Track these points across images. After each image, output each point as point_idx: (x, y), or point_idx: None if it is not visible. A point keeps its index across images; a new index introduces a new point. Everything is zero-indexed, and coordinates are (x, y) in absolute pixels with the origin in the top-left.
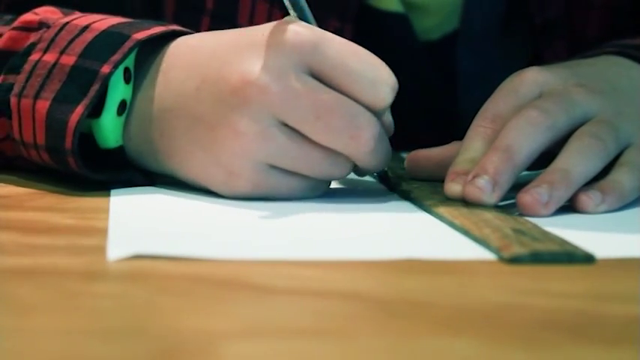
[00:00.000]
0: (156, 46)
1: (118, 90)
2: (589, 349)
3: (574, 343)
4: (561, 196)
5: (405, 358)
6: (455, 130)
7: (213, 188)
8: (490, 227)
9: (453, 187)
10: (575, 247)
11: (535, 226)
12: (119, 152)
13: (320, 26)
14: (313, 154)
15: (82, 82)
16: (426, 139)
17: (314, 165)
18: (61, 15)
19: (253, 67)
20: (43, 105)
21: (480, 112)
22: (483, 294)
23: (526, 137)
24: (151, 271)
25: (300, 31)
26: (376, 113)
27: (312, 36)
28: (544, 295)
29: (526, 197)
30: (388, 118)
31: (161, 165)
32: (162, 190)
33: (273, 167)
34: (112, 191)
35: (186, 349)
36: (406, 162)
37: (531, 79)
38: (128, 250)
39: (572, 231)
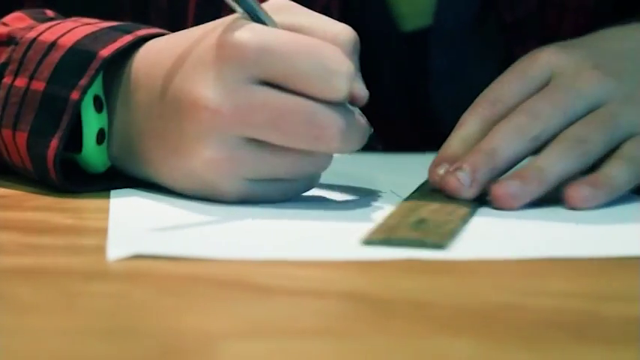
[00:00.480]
0: (122, 58)
1: (92, 120)
2: (589, 349)
3: (574, 343)
4: (532, 192)
5: (405, 358)
6: (430, 120)
7: (208, 199)
8: (407, 216)
9: (437, 172)
10: (431, 236)
11: (450, 221)
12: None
13: (307, 4)
14: (287, 159)
15: (54, 111)
16: (402, 125)
17: (292, 168)
18: (29, 23)
19: (204, 87)
20: (23, 137)
21: (484, 91)
22: (483, 294)
23: (509, 144)
24: (150, 271)
25: (242, 40)
26: (339, 103)
27: (254, 44)
28: (544, 295)
29: (497, 189)
30: (358, 90)
31: (150, 180)
32: (163, 190)
33: (255, 180)
34: (112, 191)
35: (186, 349)
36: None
37: (544, 60)
38: (128, 250)
39: (572, 230)
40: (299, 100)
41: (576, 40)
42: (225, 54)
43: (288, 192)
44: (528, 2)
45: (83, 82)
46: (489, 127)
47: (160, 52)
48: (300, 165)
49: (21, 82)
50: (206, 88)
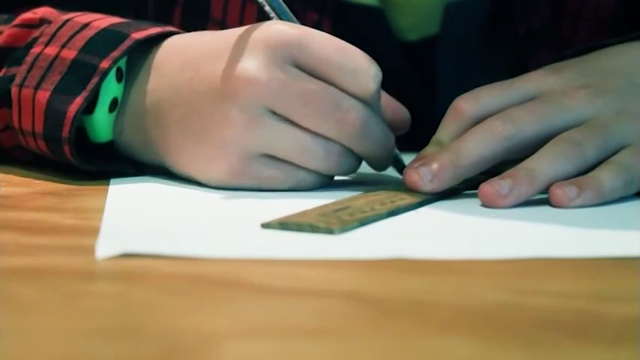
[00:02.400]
0: (147, 47)
1: (110, 88)
2: (589, 349)
3: (574, 343)
4: (522, 192)
5: (405, 358)
6: (432, 129)
7: (197, 176)
8: (338, 204)
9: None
10: (330, 222)
11: (370, 210)
12: (110, 146)
13: (299, 20)
14: (304, 141)
15: (82, 75)
16: (406, 134)
17: (305, 152)
18: (60, 14)
19: (243, 62)
20: (44, 95)
21: (467, 94)
22: (483, 294)
23: (477, 144)
24: (150, 271)
25: (284, 29)
26: (364, 101)
27: (296, 33)
28: (544, 295)
29: (487, 187)
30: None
31: (151, 154)
32: (159, 187)
33: (262, 156)
34: (110, 187)
35: (186, 349)
36: None
37: (533, 78)
38: (117, 249)
39: (572, 231)
40: (329, 86)
41: (569, 60)
42: (269, 37)
43: (294, 180)
44: (543, 12)
45: (115, 54)
46: (466, 130)
47: (195, 37)
48: (313, 151)
49: (51, 51)
50: (248, 63)
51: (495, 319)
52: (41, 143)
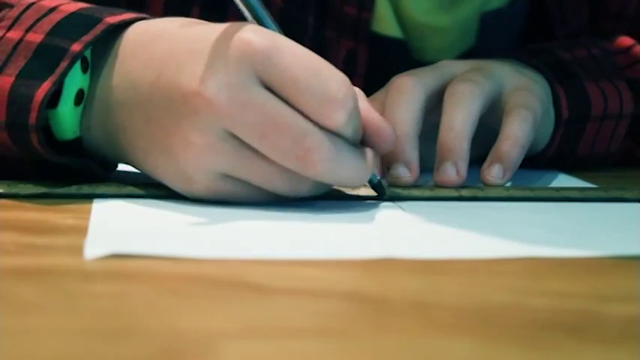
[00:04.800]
0: (114, 36)
1: (75, 79)
2: (589, 349)
3: (574, 343)
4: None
5: (405, 358)
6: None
7: (174, 189)
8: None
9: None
10: None
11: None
12: (77, 144)
13: (334, 46)
14: (266, 169)
15: (50, 59)
16: None
17: (268, 179)
18: None
19: (205, 77)
20: (7, 80)
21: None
22: (483, 294)
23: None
24: (150, 271)
25: (253, 39)
26: (336, 133)
27: (264, 45)
28: (544, 295)
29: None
30: (381, 129)
31: (121, 158)
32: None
33: (227, 176)
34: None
35: (186, 349)
36: None
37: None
38: (105, 250)
39: (571, 230)
40: (294, 115)
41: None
42: (235, 49)
43: (258, 198)
44: (581, 14)
45: (87, 38)
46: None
47: (163, 30)
48: (277, 179)
49: (14, 35)
50: (208, 78)
51: (495, 319)
52: (3, 134)
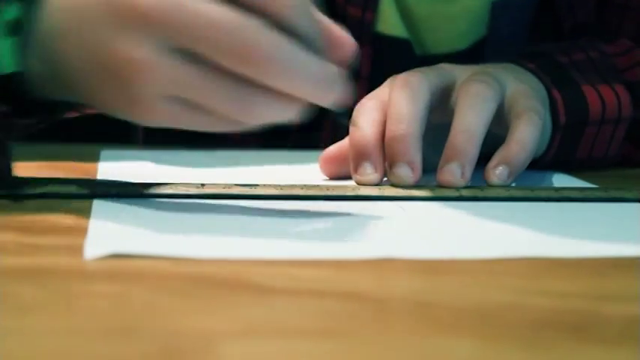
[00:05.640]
0: None
1: (9, 7)
2: (589, 349)
3: (574, 343)
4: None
5: (405, 357)
6: None
7: (124, 118)
8: None
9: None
10: None
11: None
12: (19, 81)
13: None
14: (211, 85)
15: None
16: None
17: (220, 98)
18: None
19: None
20: None
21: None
22: (483, 294)
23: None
24: (150, 271)
25: None
26: (285, 27)
27: None
28: (544, 295)
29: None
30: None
31: (66, 93)
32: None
33: (174, 98)
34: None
35: (186, 349)
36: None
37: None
38: (105, 249)
39: (571, 231)
40: (229, 12)
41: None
42: None
43: (212, 125)
44: (587, 5)
45: None
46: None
47: None
48: (233, 96)
49: None
50: None
51: (495, 319)
52: None
